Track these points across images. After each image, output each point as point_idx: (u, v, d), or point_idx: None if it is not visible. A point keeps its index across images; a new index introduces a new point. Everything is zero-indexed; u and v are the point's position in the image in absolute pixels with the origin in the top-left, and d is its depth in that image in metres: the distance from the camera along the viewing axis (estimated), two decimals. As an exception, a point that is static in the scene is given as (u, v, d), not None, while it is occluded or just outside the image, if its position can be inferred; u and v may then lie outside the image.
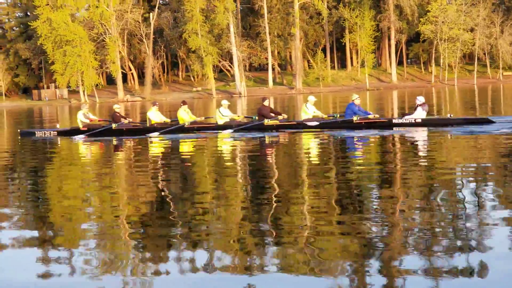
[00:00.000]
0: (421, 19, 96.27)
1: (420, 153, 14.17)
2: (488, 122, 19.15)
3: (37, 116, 52.39)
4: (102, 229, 7.64)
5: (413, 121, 19.63)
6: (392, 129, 19.36)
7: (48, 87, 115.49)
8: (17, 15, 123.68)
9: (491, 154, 13.35)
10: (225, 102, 22.34)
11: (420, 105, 19.93)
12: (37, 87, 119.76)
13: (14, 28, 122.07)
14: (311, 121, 21.01)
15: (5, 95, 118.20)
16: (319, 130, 20.12)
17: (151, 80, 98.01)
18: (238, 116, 23.13)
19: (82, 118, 22.76)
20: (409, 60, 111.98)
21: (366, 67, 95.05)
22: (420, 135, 17.69)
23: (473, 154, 13.44)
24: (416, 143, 16.46)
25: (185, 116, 22.13)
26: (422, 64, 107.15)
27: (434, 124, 19.51)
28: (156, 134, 20.96)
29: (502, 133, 16.56)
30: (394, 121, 20.32)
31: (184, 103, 22.66)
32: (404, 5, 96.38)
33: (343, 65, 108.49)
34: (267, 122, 20.92)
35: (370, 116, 20.39)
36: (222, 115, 21.81)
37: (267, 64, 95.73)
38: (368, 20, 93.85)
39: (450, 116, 20.73)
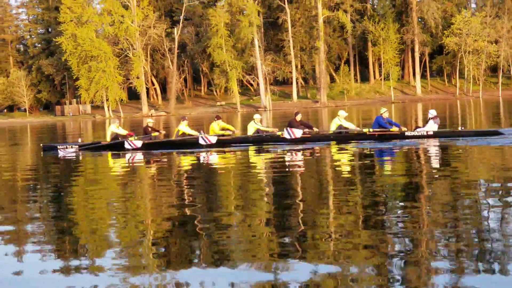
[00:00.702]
0: (445, 31, 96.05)
1: (435, 165, 14.36)
2: (497, 134, 19.88)
3: (62, 131, 52.31)
4: (125, 243, 7.61)
5: (425, 133, 20.31)
6: (405, 141, 19.94)
7: (70, 103, 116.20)
8: (39, 31, 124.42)
9: (503, 165, 13.64)
10: (257, 116, 22.62)
11: (431, 118, 20.65)
12: (58, 103, 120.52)
13: (36, 44, 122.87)
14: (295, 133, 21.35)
15: (28, 111, 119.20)
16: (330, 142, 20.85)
17: (176, 94, 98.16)
18: (274, 129, 23.17)
19: (115, 129, 23.12)
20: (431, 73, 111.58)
21: (391, 80, 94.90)
22: (432, 147, 18.20)
23: (486, 165, 13.66)
24: (429, 154, 16.88)
25: (217, 128, 22.48)
26: (445, 77, 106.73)
27: (445, 136, 20.21)
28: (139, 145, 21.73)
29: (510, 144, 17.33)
30: (406, 133, 20.73)
31: (218, 117, 23.12)
32: (428, 17, 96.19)
33: (363, 78, 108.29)
34: (280, 133, 21.37)
35: (394, 129, 20.75)
36: (260, 126, 22.31)
37: (290, 78, 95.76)
38: (393, 33, 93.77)
39: (461, 128, 21.61)
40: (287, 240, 7.25)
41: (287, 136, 21.08)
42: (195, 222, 8.57)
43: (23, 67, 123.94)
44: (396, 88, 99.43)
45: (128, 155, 20.18)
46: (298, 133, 21.14)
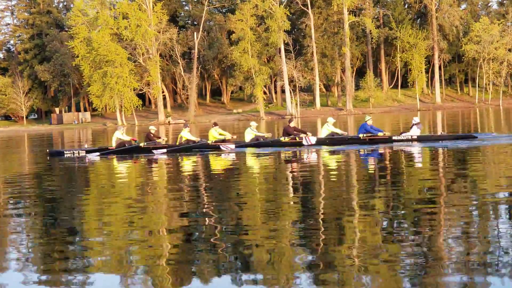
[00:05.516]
0: (463, 39, 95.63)
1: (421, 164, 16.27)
2: (472, 137, 22.71)
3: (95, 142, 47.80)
4: (137, 249, 7.45)
5: (409, 138, 22.91)
6: (392, 144, 22.34)
7: (61, 111, 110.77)
8: (29, 36, 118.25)
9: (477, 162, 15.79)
10: (253, 124, 24.29)
11: (415, 124, 23.36)
12: (49, 111, 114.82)
13: (28, 50, 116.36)
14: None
15: (14, 119, 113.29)
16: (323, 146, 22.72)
17: (195, 102, 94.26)
18: (268, 134, 24.91)
19: (120, 136, 24.67)
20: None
21: (417, 87, 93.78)
22: (416, 149, 20.61)
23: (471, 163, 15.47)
24: (413, 156, 19.16)
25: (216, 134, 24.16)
26: (458, 85, 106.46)
27: (427, 140, 22.90)
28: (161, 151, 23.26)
29: (484, 145, 20.08)
30: (393, 137, 23.22)
31: (215, 124, 24.80)
32: (447, 25, 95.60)
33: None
34: (283, 139, 23.38)
35: (380, 134, 23.00)
36: (256, 132, 23.96)
37: (312, 85, 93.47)
38: (422, 39, 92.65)
39: (442, 133, 25.21)
40: (309, 253, 6.91)
41: (305, 143, 22.96)
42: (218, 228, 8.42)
43: (9, 74, 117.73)
44: (412, 96, 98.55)
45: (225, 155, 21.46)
46: (313, 139, 23.08)
